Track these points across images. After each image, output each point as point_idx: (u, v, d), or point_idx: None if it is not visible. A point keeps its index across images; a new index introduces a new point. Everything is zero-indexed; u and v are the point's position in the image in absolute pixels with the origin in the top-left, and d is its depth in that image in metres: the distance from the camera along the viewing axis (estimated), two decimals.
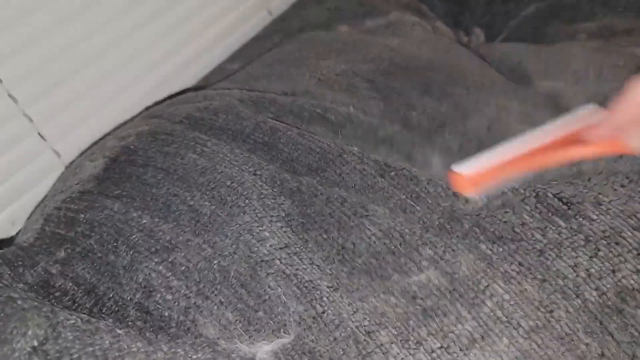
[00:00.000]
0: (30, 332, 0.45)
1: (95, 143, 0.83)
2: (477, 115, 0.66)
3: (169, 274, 0.51)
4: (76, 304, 0.50)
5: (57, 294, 0.51)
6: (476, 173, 0.38)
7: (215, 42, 1.05)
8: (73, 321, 0.46)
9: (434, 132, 0.65)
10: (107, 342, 0.45)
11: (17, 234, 0.78)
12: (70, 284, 0.52)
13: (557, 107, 0.68)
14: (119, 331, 0.46)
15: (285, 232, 0.54)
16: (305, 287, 0.51)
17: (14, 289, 0.49)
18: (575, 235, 0.52)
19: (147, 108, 0.88)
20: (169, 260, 0.52)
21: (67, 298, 0.51)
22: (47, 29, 0.80)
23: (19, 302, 0.47)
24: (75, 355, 0.44)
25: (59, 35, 0.81)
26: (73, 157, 0.85)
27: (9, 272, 0.53)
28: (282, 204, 0.56)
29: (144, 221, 0.56)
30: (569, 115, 0.45)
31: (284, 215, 0.55)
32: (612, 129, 0.43)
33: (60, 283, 0.52)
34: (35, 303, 0.47)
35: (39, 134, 0.82)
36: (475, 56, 0.83)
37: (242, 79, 0.82)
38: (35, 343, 0.45)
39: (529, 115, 0.68)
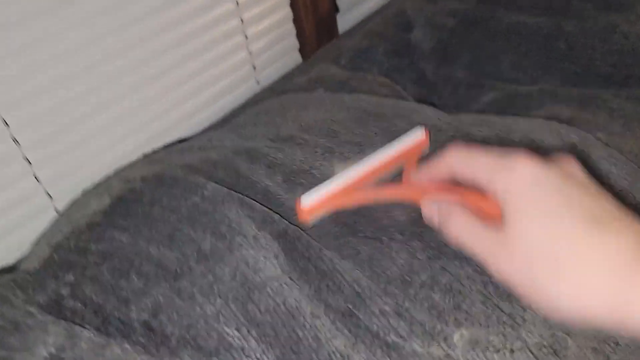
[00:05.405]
0: (50, 340, 0.51)
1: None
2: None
3: (175, 296, 0.58)
4: (85, 323, 0.56)
5: (67, 313, 0.56)
6: (312, 205, 0.42)
7: (206, 106, 1.15)
8: (87, 334, 0.52)
9: None
10: (117, 353, 0.51)
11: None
12: (80, 305, 0.57)
13: None
14: (126, 345, 0.52)
15: (278, 266, 0.61)
16: (291, 313, 0.58)
17: (31, 306, 0.55)
18: None
19: (145, 155, 0.96)
20: (176, 286, 0.58)
21: (77, 317, 0.56)
22: (51, 83, 0.89)
23: (39, 316, 0.53)
24: None
25: (63, 88, 0.91)
26: (65, 200, 0.91)
27: (21, 294, 0.58)
28: (272, 244, 0.63)
29: (152, 251, 0.62)
30: (401, 139, 0.47)
31: (275, 252, 0.62)
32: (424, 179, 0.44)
33: (70, 304, 0.58)
34: (53, 318, 0.53)
35: (34, 176, 0.89)
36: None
37: (229, 128, 0.91)
38: (54, 350, 0.50)
39: None
